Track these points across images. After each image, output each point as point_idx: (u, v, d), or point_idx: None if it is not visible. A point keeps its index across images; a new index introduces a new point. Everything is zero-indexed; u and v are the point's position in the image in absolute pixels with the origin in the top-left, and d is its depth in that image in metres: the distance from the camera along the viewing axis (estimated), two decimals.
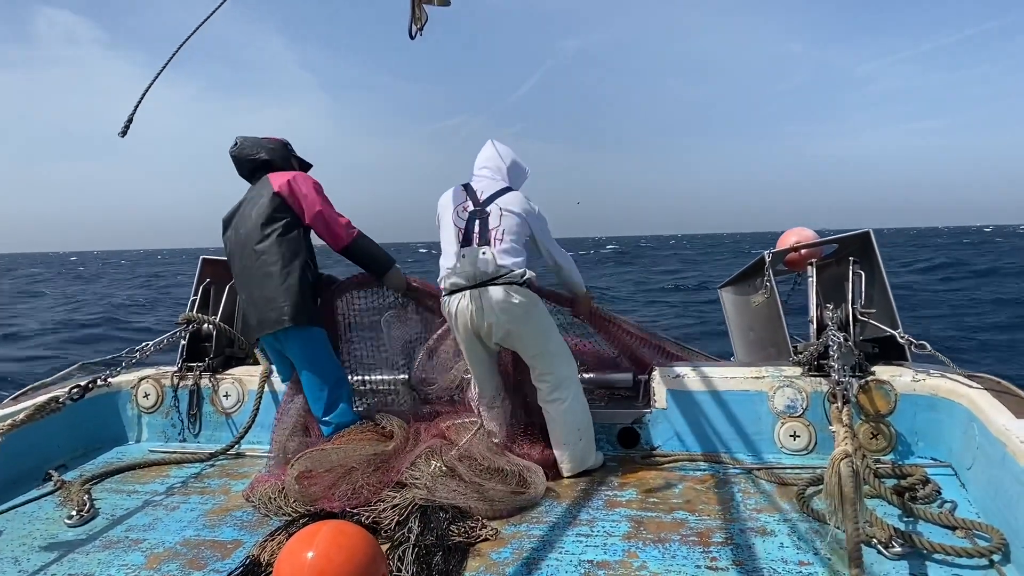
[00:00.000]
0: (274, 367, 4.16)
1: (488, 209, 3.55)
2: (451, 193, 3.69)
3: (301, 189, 3.71)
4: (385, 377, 4.07)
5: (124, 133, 2.88)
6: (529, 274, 3.51)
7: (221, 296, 4.74)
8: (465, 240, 3.49)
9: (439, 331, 4.03)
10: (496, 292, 3.41)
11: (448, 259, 3.54)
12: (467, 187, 3.68)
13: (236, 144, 3.88)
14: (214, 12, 2.90)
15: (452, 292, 3.50)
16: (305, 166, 4.08)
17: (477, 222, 3.51)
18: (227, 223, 3.88)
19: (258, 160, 3.84)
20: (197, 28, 2.90)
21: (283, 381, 4.07)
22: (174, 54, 2.87)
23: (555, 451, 3.60)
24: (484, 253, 3.42)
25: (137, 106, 2.84)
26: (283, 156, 3.89)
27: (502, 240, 3.48)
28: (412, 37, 3.14)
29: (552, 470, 3.55)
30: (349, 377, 4.03)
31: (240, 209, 3.83)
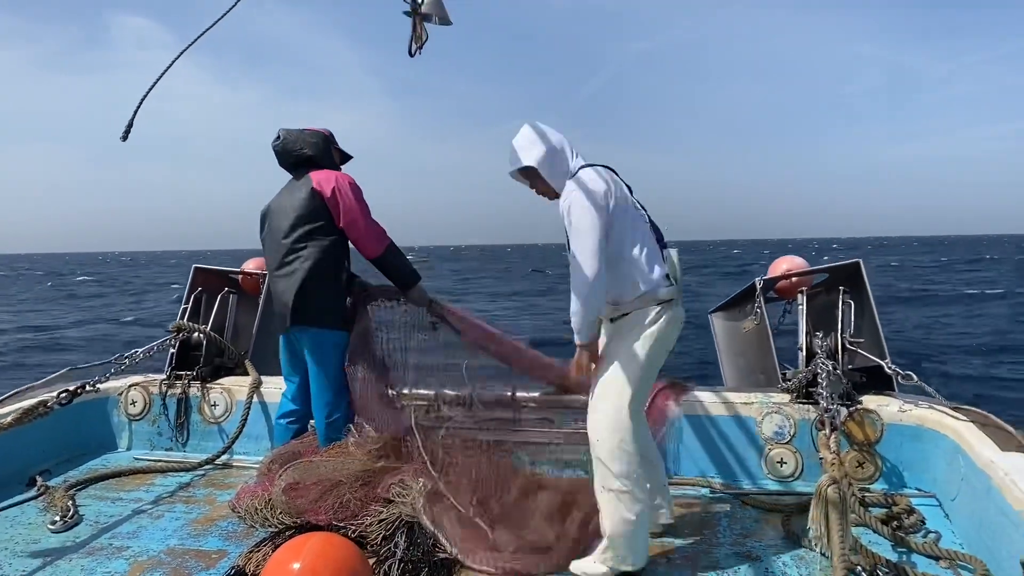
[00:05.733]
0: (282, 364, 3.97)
1: None
2: (612, 180, 2.85)
3: (343, 193, 3.63)
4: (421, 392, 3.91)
5: (125, 137, 2.81)
6: None
7: (212, 305, 4.74)
8: (659, 238, 2.94)
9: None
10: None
11: (655, 263, 2.83)
12: (611, 169, 2.94)
13: (279, 139, 3.79)
14: (229, 11, 2.88)
15: (668, 300, 2.85)
16: (345, 158, 4.03)
17: (646, 212, 2.97)
18: (264, 217, 3.82)
19: (302, 156, 3.77)
20: (212, 25, 2.88)
21: (284, 378, 3.92)
22: (182, 52, 2.85)
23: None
24: (671, 249, 2.97)
25: (136, 111, 2.70)
26: (325, 150, 3.81)
27: None
28: (411, 55, 3.16)
29: None
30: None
31: (278, 201, 3.77)
